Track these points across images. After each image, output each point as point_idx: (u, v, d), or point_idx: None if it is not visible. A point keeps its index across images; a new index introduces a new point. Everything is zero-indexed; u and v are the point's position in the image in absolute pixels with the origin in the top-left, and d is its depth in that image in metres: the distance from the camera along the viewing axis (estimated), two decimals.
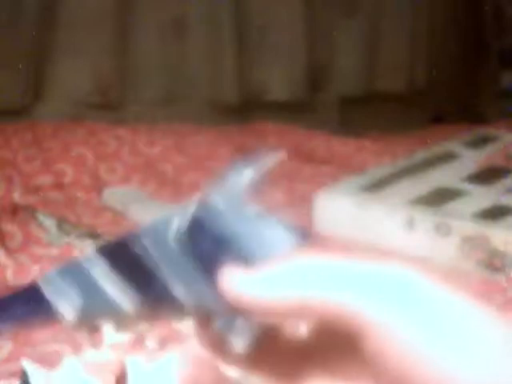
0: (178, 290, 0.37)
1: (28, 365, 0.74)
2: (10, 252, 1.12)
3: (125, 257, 0.38)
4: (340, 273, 0.35)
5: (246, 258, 0.36)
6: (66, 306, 0.39)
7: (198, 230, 0.37)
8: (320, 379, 0.37)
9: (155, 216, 0.39)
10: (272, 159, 0.38)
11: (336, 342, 0.36)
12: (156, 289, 0.38)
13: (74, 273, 0.40)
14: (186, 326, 0.86)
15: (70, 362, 0.76)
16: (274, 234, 0.37)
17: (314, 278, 0.35)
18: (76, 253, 1.12)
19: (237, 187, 0.37)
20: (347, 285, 0.34)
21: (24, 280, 1.01)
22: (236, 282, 0.36)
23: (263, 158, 0.38)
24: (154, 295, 0.38)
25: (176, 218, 0.38)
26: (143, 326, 0.88)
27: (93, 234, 1.21)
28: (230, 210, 0.37)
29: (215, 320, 0.37)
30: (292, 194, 1.41)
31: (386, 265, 0.35)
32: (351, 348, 0.35)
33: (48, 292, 0.39)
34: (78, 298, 0.39)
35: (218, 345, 0.38)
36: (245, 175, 0.38)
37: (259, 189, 0.38)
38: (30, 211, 1.27)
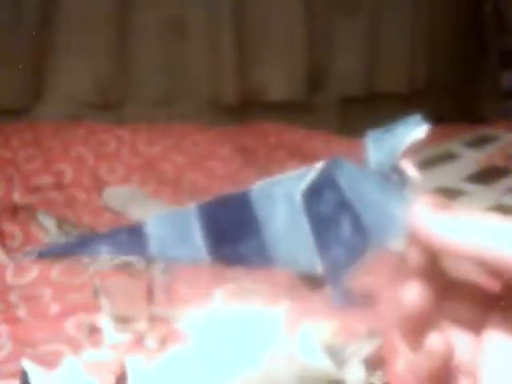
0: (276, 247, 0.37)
1: (28, 365, 0.73)
2: (10, 252, 1.12)
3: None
4: None
5: (362, 227, 0.36)
6: None
7: (321, 190, 0.37)
8: (500, 330, 0.37)
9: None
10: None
11: None
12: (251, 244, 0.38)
13: None
14: (186, 325, 0.86)
15: (70, 362, 0.76)
16: (391, 206, 0.37)
17: (499, 234, 0.35)
18: None
19: (400, 142, 0.37)
20: None
21: (24, 280, 1.01)
22: (427, 220, 0.36)
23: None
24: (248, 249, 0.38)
25: (308, 175, 0.38)
26: (143, 326, 0.87)
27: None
28: (357, 177, 0.37)
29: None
30: None
31: None
32: None
33: None
34: None
35: None
36: (413, 133, 0.38)
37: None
38: (30, 211, 1.26)
